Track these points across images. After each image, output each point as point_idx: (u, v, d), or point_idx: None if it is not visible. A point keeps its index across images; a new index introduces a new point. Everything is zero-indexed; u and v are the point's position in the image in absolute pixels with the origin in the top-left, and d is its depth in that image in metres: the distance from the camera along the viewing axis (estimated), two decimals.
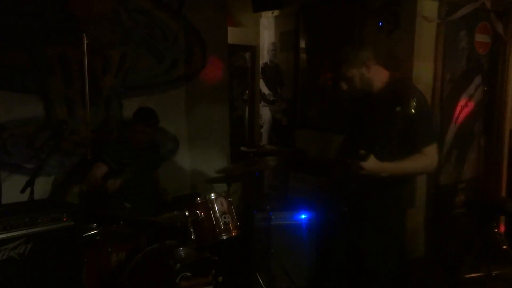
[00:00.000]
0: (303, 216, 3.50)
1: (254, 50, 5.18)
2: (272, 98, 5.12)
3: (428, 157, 2.17)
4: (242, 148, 4.98)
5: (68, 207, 2.30)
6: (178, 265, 2.61)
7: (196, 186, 4.24)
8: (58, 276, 2.22)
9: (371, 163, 2.03)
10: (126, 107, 3.81)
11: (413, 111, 2.14)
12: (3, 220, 2.00)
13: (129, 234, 2.89)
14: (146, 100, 3.84)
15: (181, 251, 2.75)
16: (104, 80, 3.74)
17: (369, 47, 2.40)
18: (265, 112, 5.24)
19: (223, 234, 2.94)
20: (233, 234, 2.99)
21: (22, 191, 2.76)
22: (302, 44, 4.66)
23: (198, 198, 3.01)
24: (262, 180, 4.80)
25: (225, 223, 2.97)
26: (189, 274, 2.65)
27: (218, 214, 2.95)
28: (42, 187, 3.34)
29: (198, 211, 2.90)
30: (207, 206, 2.95)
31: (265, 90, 5.20)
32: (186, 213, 2.86)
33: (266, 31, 5.10)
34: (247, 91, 5.28)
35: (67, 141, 3.57)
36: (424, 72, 3.56)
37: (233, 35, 4.77)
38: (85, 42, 3.39)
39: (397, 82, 2.34)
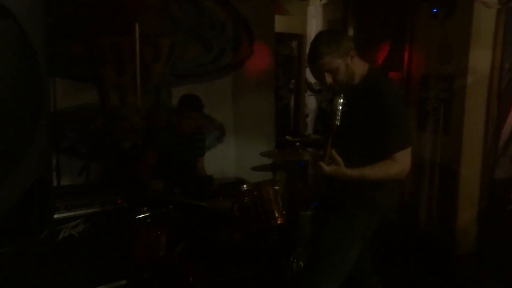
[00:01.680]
0: None
1: (301, 38, 5.13)
2: (318, 88, 5.07)
3: (399, 165, 1.96)
4: (287, 137, 4.97)
5: (122, 190, 2.40)
6: (224, 250, 2.67)
7: (240, 174, 4.29)
8: (112, 254, 2.32)
9: (336, 171, 1.88)
10: (175, 95, 3.90)
11: (386, 108, 1.95)
12: (65, 200, 2.13)
13: (178, 218, 2.97)
14: (194, 88, 3.91)
15: (227, 236, 2.80)
16: (154, 69, 3.85)
17: (350, 36, 2.18)
18: (311, 102, 5.19)
19: (269, 221, 2.96)
20: (279, 222, 3.00)
21: (79, 173, 2.91)
22: (351, 32, 4.57)
23: (245, 185, 3.03)
24: (306, 169, 4.79)
25: (271, 211, 2.99)
26: (235, 259, 2.71)
27: (264, 202, 2.97)
28: (96, 170, 3.51)
29: (244, 198, 2.93)
30: (253, 193, 2.97)
31: (311, 79, 5.15)
32: (232, 199, 2.90)
33: (314, 19, 5.04)
34: (293, 80, 5.25)
35: (119, 127, 3.71)
36: (481, 61, 3.39)
37: (280, 24, 4.74)
38: (137, 31, 3.50)
39: (373, 76, 2.10)
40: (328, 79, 2.03)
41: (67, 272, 2.16)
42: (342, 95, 1.92)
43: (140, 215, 2.79)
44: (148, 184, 3.09)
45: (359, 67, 2.08)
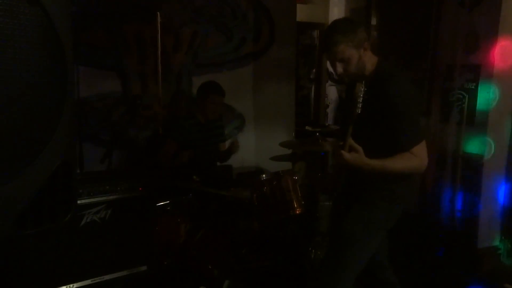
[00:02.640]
0: None
1: (323, 28, 5.07)
2: (337, 77, 5.02)
3: (417, 158, 1.95)
4: (306, 127, 4.95)
5: (143, 178, 2.43)
6: (243, 238, 2.69)
7: (260, 163, 4.30)
8: (133, 240, 2.37)
9: (356, 159, 1.88)
10: (195, 84, 3.91)
11: (395, 104, 1.91)
12: (88, 186, 2.17)
13: (197, 206, 3.00)
14: (215, 78, 3.91)
15: (246, 225, 2.82)
16: (176, 58, 3.87)
17: (364, 27, 2.09)
18: (332, 92, 5.15)
19: (287, 211, 2.96)
20: (297, 212, 3.00)
21: (102, 161, 2.96)
22: (374, 21, 4.49)
23: (264, 175, 3.04)
24: (326, 160, 4.76)
25: (290, 201, 2.99)
26: (253, 247, 2.72)
27: (283, 192, 2.97)
28: (118, 158, 3.57)
29: (263, 188, 2.94)
30: (272, 183, 2.97)
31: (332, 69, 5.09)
32: (252, 189, 2.91)
33: (336, 8, 4.97)
34: (314, 70, 5.20)
35: (140, 115, 3.76)
36: (508, 51, 3.29)
37: (302, 13, 4.69)
38: (159, 20, 3.51)
39: (383, 71, 2.05)
40: (339, 69, 2.01)
41: (89, 257, 2.21)
42: (363, 82, 1.89)
43: (161, 202, 2.83)
44: (172, 161, 3.12)
45: (370, 60, 2.05)
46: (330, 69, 5.12)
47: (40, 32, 0.86)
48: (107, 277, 2.28)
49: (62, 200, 0.99)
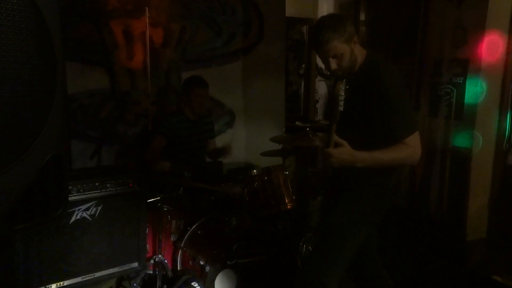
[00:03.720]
0: None
1: (311, 23, 5.07)
2: (329, 73, 5.03)
3: (410, 148, 1.93)
4: (296, 123, 4.96)
5: (133, 174, 2.41)
6: (234, 234, 2.69)
7: (250, 159, 4.29)
8: (124, 237, 2.35)
9: (342, 152, 1.86)
10: None
11: (388, 94, 1.92)
12: (77, 183, 2.14)
13: (188, 202, 2.99)
14: (204, 73, 3.89)
15: (237, 221, 2.81)
16: (164, 53, 3.83)
17: (351, 21, 2.09)
18: (321, 87, 5.16)
19: (278, 206, 2.97)
20: (288, 207, 3.02)
21: (91, 157, 2.93)
22: (362, 16, 4.50)
23: (255, 170, 3.04)
24: (316, 155, 4.77)
25: (281, 196, 3.00)
26: (244, 243, 2.72)
27: (274, 187, 2.97)
28: (107, 154, 3.53)
29: (254, 183, 2.94)
30: (263, 178, 2.98)
31: (321, 64, 5.10)
32: (242, 184, 2.91)
33: (325, 3, 4.97)
34: (303, 65, 5.21)
35: (129, 112, 3.72)
36: (496, 45, 3.33)
37: (291, 8, 4.68)
38: (147, 15, 3.48)
39: (372, 62, 2.06)
40: (333, 65, 2.01)
41: (80, 254, 2.19)
42: (344, 80, 1.89)
43: (151, 198, 2.80)
44: (154, 166, 3.11)
45: (360, 53, 2.06)
46: (320, 64, 5.12)
47: (28, 22, 0.85)
48: (97, 274, 2.25)
49: (53, 194, 0.98)
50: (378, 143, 1.94)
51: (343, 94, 1.87)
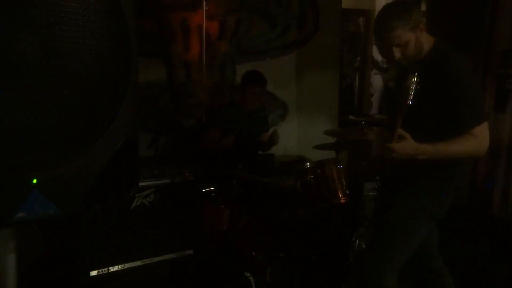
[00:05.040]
0: None
1: (368, 14, 4.94)
2: (385, 66, 4.88)
3: (478, 139, 1.84)
4: (350, 116, 4.86)
5: (189, 164, 2.46)
6: (286, 226, 2.69)
7: (302, 152, 4.27)
8: (180, 224, 2.41)
9: (405, 147, 1.80)
10: (239, 72, 3.92)
11: (457, 83, 1.82)
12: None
13: (241, 193, 3.02)
14: (258, 66, 3.90)
15: (290, 213, 2.81)
16: (220, 46, 3.88)
17: (418, 6, 2.03)
18: (377, 80, 5.02)
19: (331, 200, 2.93)
20: (342, 201, 2.97)
21: (149, 147, 3.03)
22: (423, 7, 4.31)
23: (308, 163, 3.01)
24: (370, 150, 4.66)
25: (334, 190, 2.95)
26: (297, 235, 2.71)
27: (327, 180, 2.93)
28: (163, 144, 3.64)
29: (307, 176, 2.91)
30: (316, 171, 2.94)
31: (378, 57, 4.96)
32: (295, 177, 2.89)
33: None
34: (358, 58, 5.09)
35: (185, 103, 3.81)
36: None
37: None
38: (204, 8, 3.53)
39: (441, 50, 1.96)
40: (397, 54, 1.94)
41: (139, 239, 2.27)
42: (416, 73, 1.83)
43: (206, 188, 2.86)
44: (218, 145, 3.14)
45: (427, 41, 1.98)
46: (376, 57, 4.99)
47: (106, 10, 0.89)
48: (155, 259, 2.33)
49: (126, 176, 1.02)
50: (443, 135, 1.86)
51: (413, 87, 1.82)
